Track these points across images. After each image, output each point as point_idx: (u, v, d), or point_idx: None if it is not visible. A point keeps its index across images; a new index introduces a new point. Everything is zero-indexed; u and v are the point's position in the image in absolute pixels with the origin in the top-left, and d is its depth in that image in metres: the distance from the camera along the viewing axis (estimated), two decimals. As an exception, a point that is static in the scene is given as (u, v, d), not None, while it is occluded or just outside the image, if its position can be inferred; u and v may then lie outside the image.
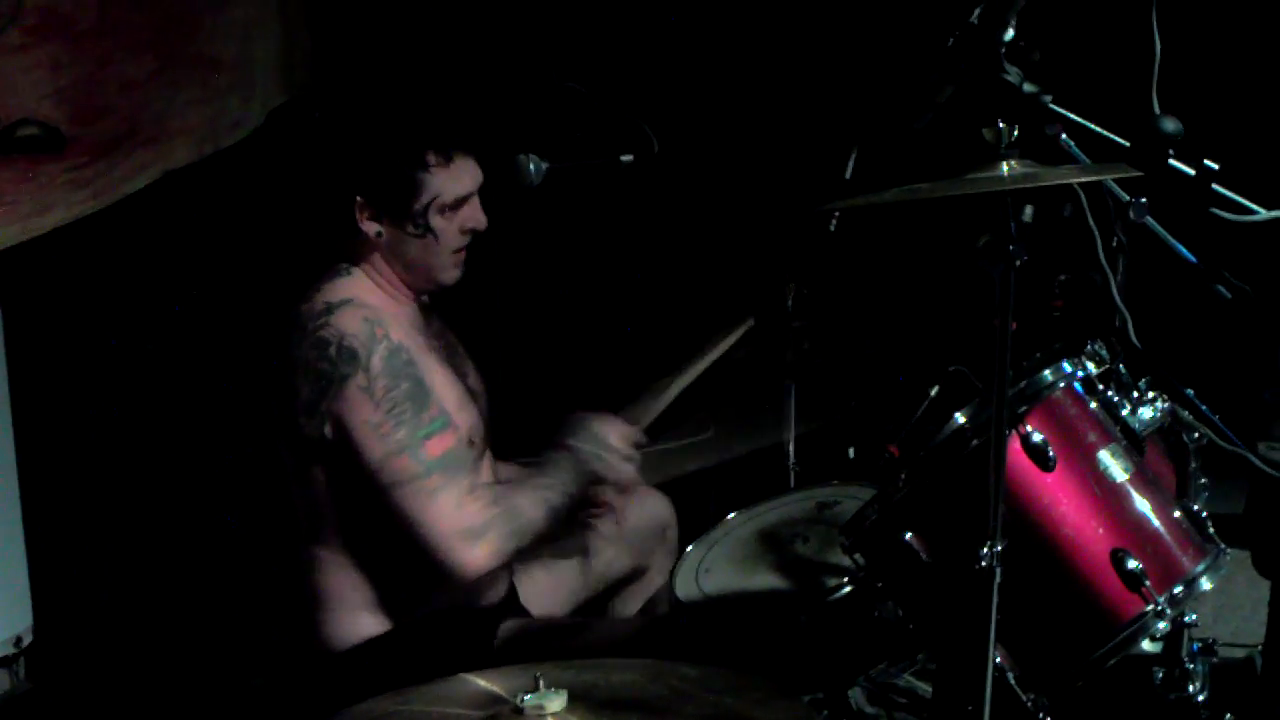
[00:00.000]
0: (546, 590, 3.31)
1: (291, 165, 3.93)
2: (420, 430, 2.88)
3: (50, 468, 4.05)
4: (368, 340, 2.88)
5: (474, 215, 3.03)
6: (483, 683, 2.20)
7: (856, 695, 3.03)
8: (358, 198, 2.97)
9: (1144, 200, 2.75)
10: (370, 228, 2.99)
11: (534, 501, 2.97)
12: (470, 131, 3.04)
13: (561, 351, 3.43)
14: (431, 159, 2.96)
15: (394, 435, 2.86)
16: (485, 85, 3.84)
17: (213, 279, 4.08)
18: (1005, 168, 2.24)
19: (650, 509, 3.50)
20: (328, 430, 2.89)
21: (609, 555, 3.40)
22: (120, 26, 3.54)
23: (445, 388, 3.02)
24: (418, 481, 2.86)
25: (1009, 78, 2.09)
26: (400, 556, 2.94)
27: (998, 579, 2.32)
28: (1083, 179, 2.37)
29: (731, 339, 3.30)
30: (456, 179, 2.99)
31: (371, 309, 2.94)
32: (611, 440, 3.08)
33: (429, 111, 3.04)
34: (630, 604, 3.48)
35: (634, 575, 3.48)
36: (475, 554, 2.87)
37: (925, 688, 3.20)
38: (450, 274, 3.06)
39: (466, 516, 2.87)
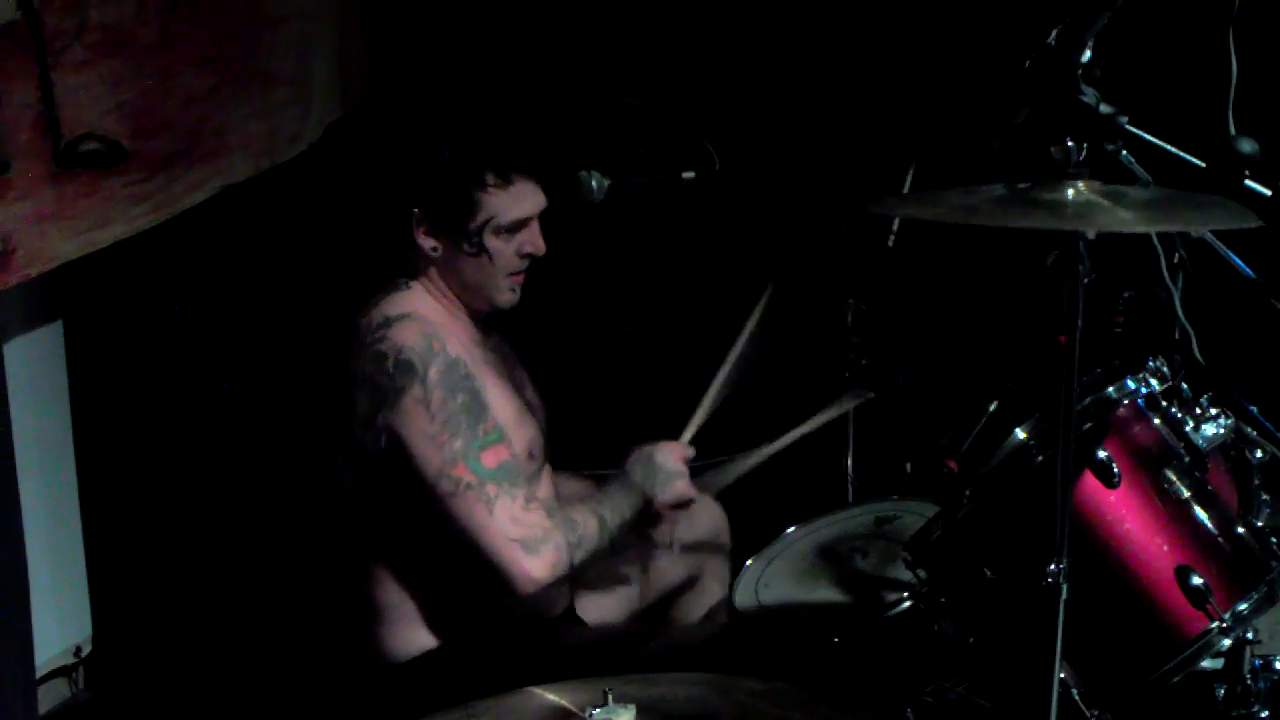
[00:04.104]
0: (603, 600, 3.32)
1: (348, 178, 3.96)
2: (476, 440, 2.89)
3: (110, 478, 4.08)
4: (425, 353, 2.89)
5: (532, 240, 3.04)
6: (551, 696, 2.21)
7: (914, 710, 3.03)
8: (415, 210, 3.00)
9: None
10: (427, 243, 3.01)
11: (587, 517, 2.99)
12: (533, 155, 3.04)
13: (620, 365, 3.43)
14: (490, 179, 2.97)
15: (451, 445, 2.87)
16: (547, 101, 3.85)
17: (273, 291, 4.11)
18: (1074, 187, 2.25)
19: (702, 516, 3.50)
20: (384, 442, 2.92)
21: (663, 564, 3.41)
22: (181, 42, 3.55)
23: (502, 401, 3.03)
24: (475, 490, 2.87)
25: (1085, 99, 2.10)
26: (459, 570, 2.95)
27: (1064, 595, 2.32)
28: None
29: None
30: (514, 202, 3.00)
31: (430, 323, 2.96)
32: (662, 462, 3.09)
33: (492, 130, 3.05)
34: (688, 612, 3.49)
35: (688, 583, 3.49)
36: (534, 564, 2.88)
37: (984, 703, 3.19)
38: (505, 297, 3.07)
39: (524, 527, 2.89)
